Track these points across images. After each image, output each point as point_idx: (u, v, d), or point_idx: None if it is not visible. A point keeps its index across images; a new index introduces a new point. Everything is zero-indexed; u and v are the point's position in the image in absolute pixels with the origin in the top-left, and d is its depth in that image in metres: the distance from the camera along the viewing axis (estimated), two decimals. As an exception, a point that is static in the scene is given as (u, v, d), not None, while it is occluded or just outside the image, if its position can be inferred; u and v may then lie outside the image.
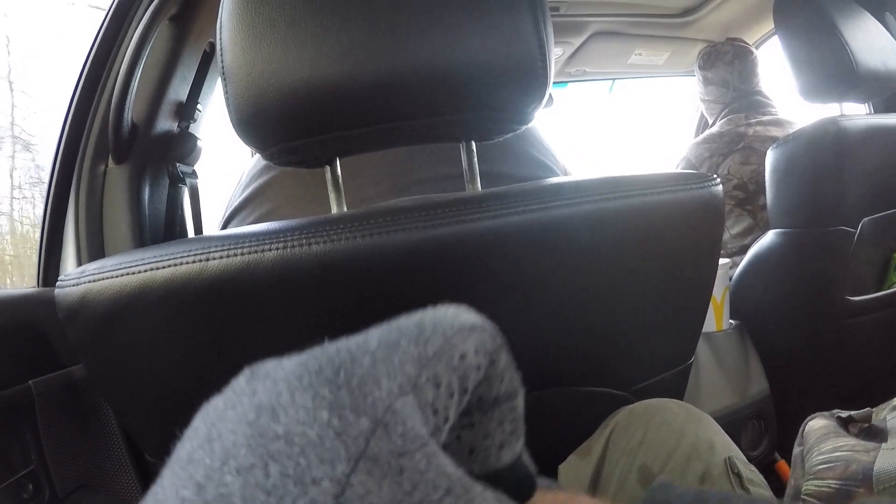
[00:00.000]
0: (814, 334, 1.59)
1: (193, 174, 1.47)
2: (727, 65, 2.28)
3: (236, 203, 1.02)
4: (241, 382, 0.24)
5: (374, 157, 0.97)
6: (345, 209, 0.72)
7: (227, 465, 0.20)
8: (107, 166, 1.28)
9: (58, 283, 0.67)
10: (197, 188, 1.48)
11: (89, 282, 0.65)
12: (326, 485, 0.19)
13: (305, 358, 0.24)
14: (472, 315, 0.29)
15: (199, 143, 1.47)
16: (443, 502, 0.20)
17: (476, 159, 0.74)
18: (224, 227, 1.05)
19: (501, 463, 0.31)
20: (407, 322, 0.27)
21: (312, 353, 0.24)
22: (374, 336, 0.26)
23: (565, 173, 1.04)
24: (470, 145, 0.73)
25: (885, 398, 1.10)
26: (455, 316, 0.28)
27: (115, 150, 1.26)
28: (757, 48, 2.64)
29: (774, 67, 2.36)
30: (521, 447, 0.32)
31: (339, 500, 0.19)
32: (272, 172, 1.00)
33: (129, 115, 1.26)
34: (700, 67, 2.37)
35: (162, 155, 1.38)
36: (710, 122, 2.41)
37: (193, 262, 0.61)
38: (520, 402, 0.32)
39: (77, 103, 1.27)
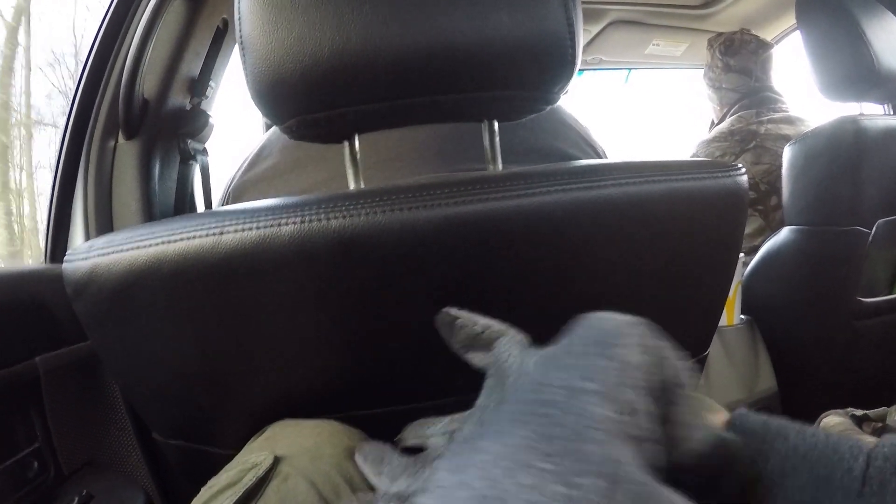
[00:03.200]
0: (824, 333, 1.58)
1: (204, 151, 1.47)
2: (752, 53, 2.24)
3: (247, 177, 1.00)
4: (443, 474, 0.23)
5: (385, 150, 0.95)
6: (362, 186, 0.70)
7: None
8: (117, 142, 1.28)
9: (66, 258, 0.66)
10: (208, 165, 1.47)
11: (98, 256, 0.63)
12: None
13: (508, 424, 0.23)
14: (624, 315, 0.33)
15: (210, 120, 1.46)
16: None
17: (497, 139, 0.72)
18: (232, 201, 1.02)
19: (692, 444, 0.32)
20: (587, 335, 0.30)
21: (515, 415, 0.23)
22: (566, 357, 0.28)
23: (603, 155, 1.02)
24: (492, 125, 0.72)
25: (892, 402, 1.09)
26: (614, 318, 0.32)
27: (126, 126, 1.25)
28: (776, 44, 2.62)
29: (790, 65, 2.35)
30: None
31: None
32: (295, 154, 0.98)
33: (140, 90, 1.25)
34: (723, 53, 2.30)
35: (173, 131, 1.37)
36: (719, 113, 2.37)
37: (207, 235, 0.60)
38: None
39: (87, 77, 1.26)
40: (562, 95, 0.69)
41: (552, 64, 0.64)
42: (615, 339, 0.27)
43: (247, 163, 1.02)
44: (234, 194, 0.99)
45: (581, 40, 0.66)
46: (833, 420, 1.05)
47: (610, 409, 0.22)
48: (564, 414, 0.22)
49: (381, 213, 0.59)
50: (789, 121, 2.10)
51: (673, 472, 0.29)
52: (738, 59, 2.25)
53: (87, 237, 1.21)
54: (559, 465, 0.20)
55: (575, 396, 0.22)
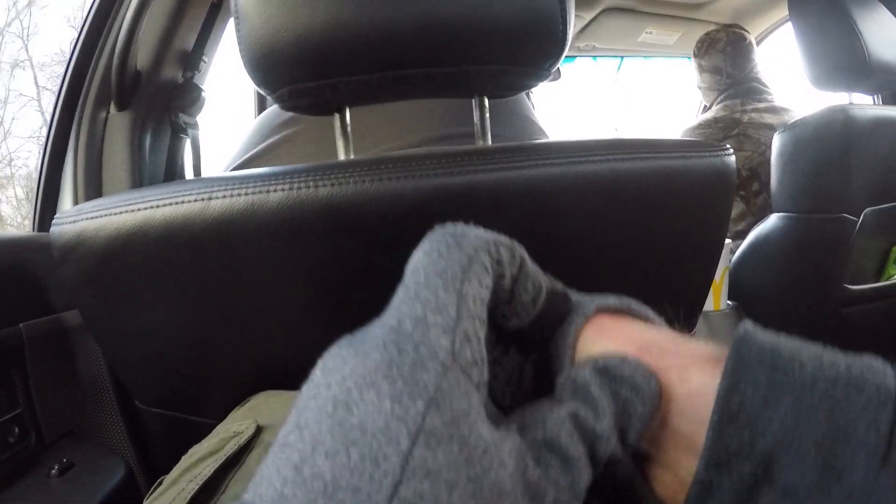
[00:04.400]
0: (810, 320, 1.60)
1: (196, 125, 1.46)
2: (720, 52, 2.30)
3: (251, 152, 1.00)
4: (317, 375, 0.30)
5: (372, 117, 0.95)
6: (353, 157, 0.71)
7: (316, 450, 0.26)
8: (108, 113, 1.27)
9: (54, 221, 0.66)
10: (198, 139, 1.46)
11: (87, 219, 0.63)
12: (394, 459, 0.25)
13: (364, 349, 0.29)
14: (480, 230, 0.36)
15: (203, 94, 1.46)
16: (483, 459, 0.26)
17: (488, 115, 0.73)
18: None
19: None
20: (438, 266, 0.32)
21: (367, 343, 0.30)
22: (408, 287, 0.32)
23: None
24: (482, 100, 0.72)
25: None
26: (461, 242, 0.34)
27: (118, 97, 1.25)
28: (769, 35, 2.63)
29: (781, 55, 2.37)
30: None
31: (405, 469, 0.24)
32: (291, 128, 0.98)
33: (133, 61, 1.24)
34: (695, 55, 2.39)
35: (165, 104, 1.36)
36: (708, 107, 2.41)
37: (195, 200, 0.60)
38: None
39: (81, 48, 1.26)
40: (551, 72, 0.70)
41: (543, 40, 0.64)
42: (459, 271, 0.31)
43: (245, 141, 1.03)
44: (245, 163, 1.00)
45: (573, 18, 0.66)
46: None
47: (448, 340, 0.29)
48: (414, 344, 0.29)
49: (370, 181, 0.59)
50: (773, 110, 2.13)
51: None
52: (707, 59, 2.34)
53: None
54: (394, 388, 0.27)
55: (423, 329, 0.29)
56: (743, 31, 2.34)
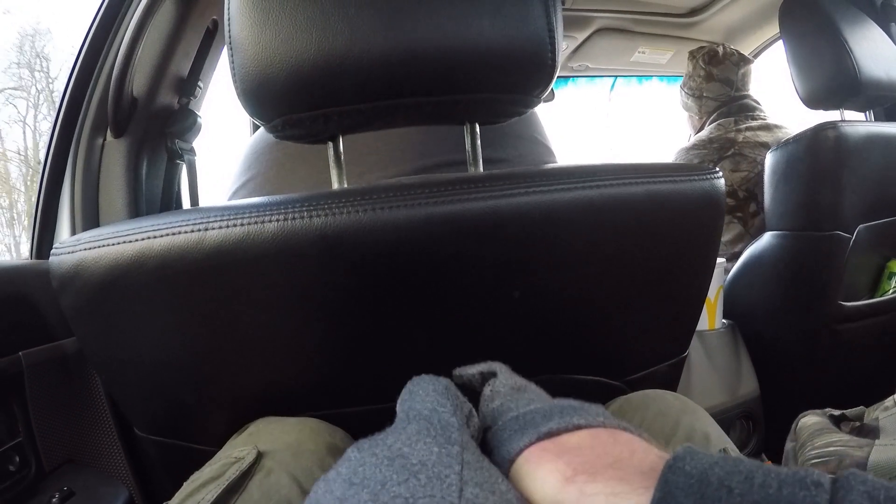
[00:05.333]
0: (805, 337, 1.60)
1: (192, 151, 1.47)
2: (734, 65, 2.26)
3: (237, 185, 1.01)
4: (351, 455, 0.40)
5: (370, 144, 0.96)
6: (346, 186, 0.71)
7: (387, 486, 0.34)
8: (105, 139, 1.28)
9: (52, 251, 0.67)
10: (195, 165, 1.47)
11: (85, 250, 0.64)
12: (453, 476, 0.34)
13: (393, 430, 0.41)
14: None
15: (199, 119, 1.46)
16: (499, 478, 0.37)
17: (479, 142, 0.73)
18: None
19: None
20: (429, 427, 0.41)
21: (393, 428, 0.42)
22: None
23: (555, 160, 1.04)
24: (474, 128, 0.73)
25: (872, 403, 1.10)
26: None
27: (114, 124, 1.26)
28: (760, 53, 2.64)
29: (773, 74, 2.37)
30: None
31: (462, 481, 0.34)
32: (282, 151, 0.99)
33: (129, 88, 1.25)
34: (706, 63, 2.32)
35: (161, 130, 1.37)
36: (697, 122, 2.39)
37: (192, 231, 0.61)
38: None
39: (77, 75, 1.27)
40: (540, 99, 0.71)
41: (533, 68, 0.65)
42: (442, 429, 0.40)
43: (236, 171, 1.04)
44: (239, 188, 1.01)
45: (561, 45, 0.67)
46: (811, 419, 1.06)
47: (454, 417, 0.42)
48: (436, 418, 0.41)
49: (363, 211, 0.60)
50: (767, 128, 2.12)
51: None
52: (722, 68, 2.27)
53: (74, 234, 1.21)
54: (436, 440, 0.38)
55: (436, 413, 0.42)
56: (747, 55, 2.33)
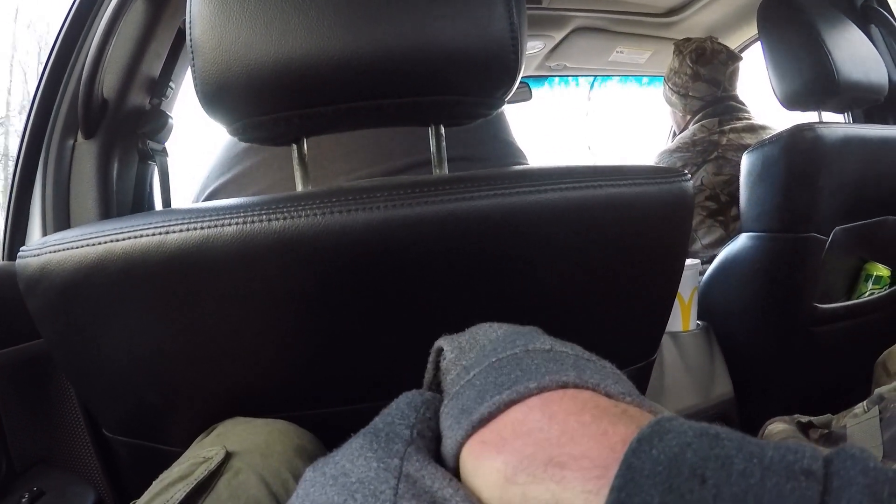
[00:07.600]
0: (780, 339, 1.60)
1: (164, 152, 1.46)
2: (722, 64, 2.22)
3: (219, 182, 1.01)
4: (308, 475, 0.40)
5: (346, 144, 0.96)
6: (310, 188, 0.71)
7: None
8: (76, 141, 1.27)
9: (19, 254, 0.67)
10: (167, 166, 1.47)
11: (50, 252, 0.64)
12: (388, 492, 0.35)
13: (344, 447, 0.41)
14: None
15: (170, 120, 1.46)
16: (442, 485, 0.35)
17: (444, 143, 0.73)
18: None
19: None
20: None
21: (347, 445, 0.41)
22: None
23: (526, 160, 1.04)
24: (439, 129, 0.73)
25: (847, 407, 1.10)
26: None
27: (85, 125, 1.25)
28: (745, 50, 2.64)
29: (753, 74, 2.36)
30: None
31: (396, 497, 0.34)
32: (259, 155, 0.98)
33: (99, 89, 1.24)
34: (693, 61, 2.27)
35: (132, 131, 1.36)
36: (681, 120, 2.36)
37: (153, 234, 0.61)
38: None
39: (48, 76, 1.26)
40: (505, 100, 0.70)
41: (496, 70, 0.66)
42: (386, 442, 0.40)
43: (217, 166, 1.03)
44: (209, 199, 1.00)
45: (525, 46, 0.67)
46: (778, 427, 1.07)
47: (408, 430, 0.40)
48: (385, 433, 0.40)
49: (321, 214, 0.60)
50: (752, 129, 2.10)
51: None
52: (709, 69, 2.23)
53: (45, 235, 1.20)
54: (377, 454, 0.38)
55: (391, 426, 0.41)
56: (736, 52, 2.30)
